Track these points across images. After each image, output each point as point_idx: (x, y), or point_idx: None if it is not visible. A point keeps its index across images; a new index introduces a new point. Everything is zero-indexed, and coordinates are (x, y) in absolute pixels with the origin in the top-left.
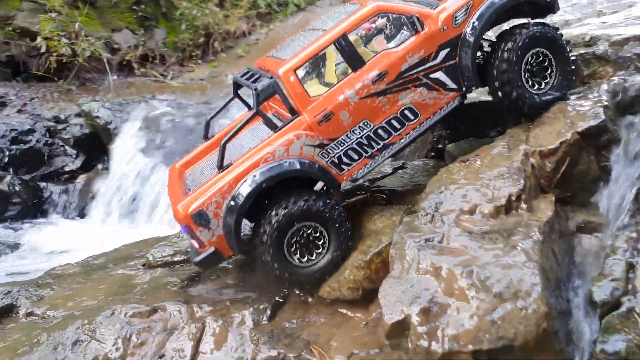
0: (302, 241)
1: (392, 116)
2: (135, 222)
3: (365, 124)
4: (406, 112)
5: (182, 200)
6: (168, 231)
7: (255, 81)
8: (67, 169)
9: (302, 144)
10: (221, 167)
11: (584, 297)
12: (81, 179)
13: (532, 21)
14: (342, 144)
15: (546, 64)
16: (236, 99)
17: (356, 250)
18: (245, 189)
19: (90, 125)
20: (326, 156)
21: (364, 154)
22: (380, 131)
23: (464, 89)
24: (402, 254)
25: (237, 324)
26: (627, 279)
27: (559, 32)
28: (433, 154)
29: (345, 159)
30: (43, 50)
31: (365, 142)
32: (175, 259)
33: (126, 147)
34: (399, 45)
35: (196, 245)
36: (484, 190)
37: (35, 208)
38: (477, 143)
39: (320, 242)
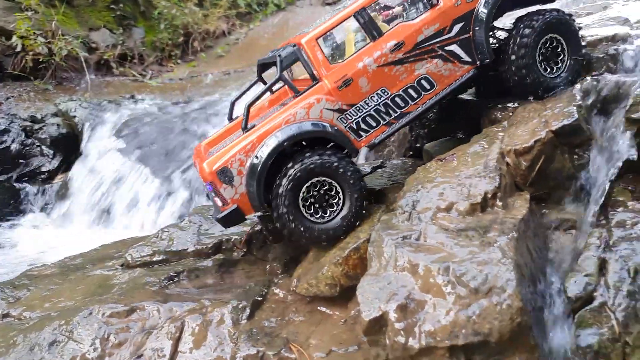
0: (317, 197)
1: (409, 85)
2: (113, 222)
3: (383, 91)
4: (422, 81)
5: (208, 159)
6: (146, 231)
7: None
8: (44, 169)
9: (322, 107)
10: (245, 127)
11: (558, 293)
12: (58, 179)
13: (548, 7)
14: (360, 110)
15: (558, 49)
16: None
17: (334, 247)
18: (267, 147)
19: (67, 125)
20: (345, 121)
21: (382, 121)
22: (397, 99)
23: (477, 62)
24: (379, 251)
25: (216, 323)
26: (599, 274)
27: (572, 19)
28: (411, 153)
29: (363, 125)
30: (19, 49)
31: (383, 109)
32: (154, 259)
33: (104, 146)
34: (415, 18)
35: (219, 203)
36: (460, 188)
37: (11, 209)
38: (454, 142)
39: (335, 200)
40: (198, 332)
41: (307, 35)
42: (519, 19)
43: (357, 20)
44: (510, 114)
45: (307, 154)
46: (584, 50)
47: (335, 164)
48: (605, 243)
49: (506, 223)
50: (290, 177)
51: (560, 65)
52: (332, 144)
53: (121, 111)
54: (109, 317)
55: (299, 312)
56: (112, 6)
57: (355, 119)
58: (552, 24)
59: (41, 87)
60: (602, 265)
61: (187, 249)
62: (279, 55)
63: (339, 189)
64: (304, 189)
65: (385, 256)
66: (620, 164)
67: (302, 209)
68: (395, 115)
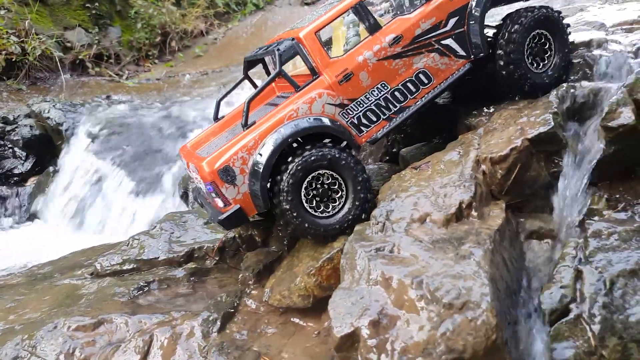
0: (321, 191)
1: (408, 79)
2: (86, 227)
3: (383, 85)
4: (421, 75)
5: (205, 159)
6: (119, 237)
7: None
8: (16, 171)
9: (324, 102)
10: (246, 124)
11: (534, 305)
12: (31, 182)
13: (537, 5)
14: (361, 105)
15: (546, 45)
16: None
17: (307, 257)
18: (270, 144)
19: (40, 126)
20: (346, 116)
21: (382, 116)
22: (397, 93)
23: (472, 56)
24: (352, 264)
25: (186, 336)
26: (575, 286)
27: (561, 16)
28: (387, 157)
29: (364, 120)
30: None
31: (383, 103)
32: (124, 268)
33: (79, 149)
34: (412, 12)
35: (220, 204)
36: (434, 197)
37: None
38: (430, 147)
39: (339, 194)
40: (167, 345)
41: (305, 29)
42: (508, 16)
43: (356, 12)
44: (486, 120)
45: (308, 148)
46: (570, 47)
47: (337, 155)
48: (581, 254)
49: (481, 234)
50: (292, 172)
51: (547, 61)
52: (330, 138)
53: (97, 112)
54: (75, 331)
55: (272, 324)
56: (87, 5)
57: (356, 114)
58: (541, 20)
59: (14, 87)
60: (578, 277)
61: (158, 257)
62: (278, 49)
63: (341, 182)
64: (305, 182)
65: (358, 269)
66: (595, 172)
67: (305, 204)
68: (395, 109)
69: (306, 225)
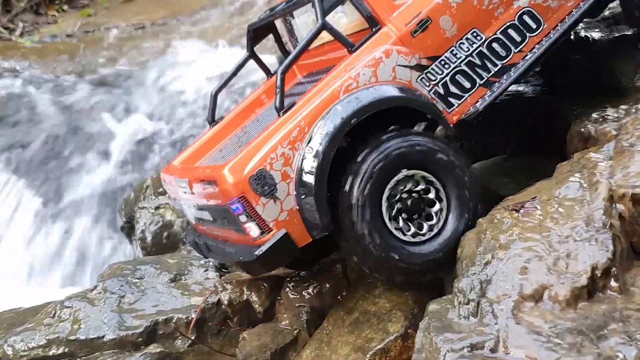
0: (408, 204)
1: (508, 23)
2: None
3: (475, 34)
4: (525, 17)
5: (227, 164)
6: (20, 284)
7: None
8: None
9: (394, 63)
10: (282, 107)
11: None
12: None
13: None
14: (447, 65)
15: None
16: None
17: (344, 344)
18: (325, 129)
19: None
20: (427, 83)
21: (478, 80)
22: (495, 45)
23: None
24: None
25: None
26: None
27: None
28: None
29: (453, 88)
30: None
31: (478, 61)
32: (51, 353)
33: None
34: None
35: (254, 232)
36: (552, 260)
37: None
38: (516, 164)
39: (434, 209)
40: None
41: None
42: None
43: None
44: (615, 129)
45: (385, 137)
46: None
47: (433, 147)
48: None
49: (630, 320)
50: (367, 174)
51: None
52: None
53: None
54: None
55: None
56: None
57: (441, 79)
58: None
59: None
60: None
61: (103, 336)
62: None
63: (439, 187)
64: (387, 189)
65: None
66: None
67: (387, 222)
68: (496, 69)
69: (396, 257)
